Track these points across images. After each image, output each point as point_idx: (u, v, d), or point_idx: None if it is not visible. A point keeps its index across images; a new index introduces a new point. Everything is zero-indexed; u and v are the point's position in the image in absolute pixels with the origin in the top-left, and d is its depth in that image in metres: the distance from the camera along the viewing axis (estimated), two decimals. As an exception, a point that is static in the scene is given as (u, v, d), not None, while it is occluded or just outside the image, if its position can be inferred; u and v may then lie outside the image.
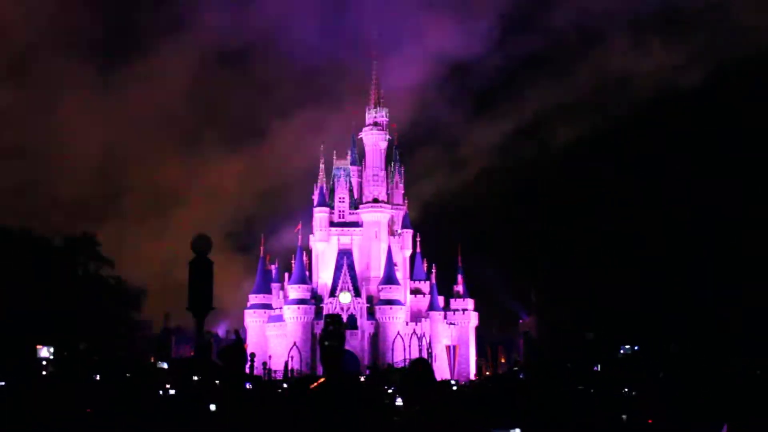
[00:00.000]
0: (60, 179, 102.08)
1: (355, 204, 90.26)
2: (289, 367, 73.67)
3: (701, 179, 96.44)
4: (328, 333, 5.16)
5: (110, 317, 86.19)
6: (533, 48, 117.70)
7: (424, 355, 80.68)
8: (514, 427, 4.24)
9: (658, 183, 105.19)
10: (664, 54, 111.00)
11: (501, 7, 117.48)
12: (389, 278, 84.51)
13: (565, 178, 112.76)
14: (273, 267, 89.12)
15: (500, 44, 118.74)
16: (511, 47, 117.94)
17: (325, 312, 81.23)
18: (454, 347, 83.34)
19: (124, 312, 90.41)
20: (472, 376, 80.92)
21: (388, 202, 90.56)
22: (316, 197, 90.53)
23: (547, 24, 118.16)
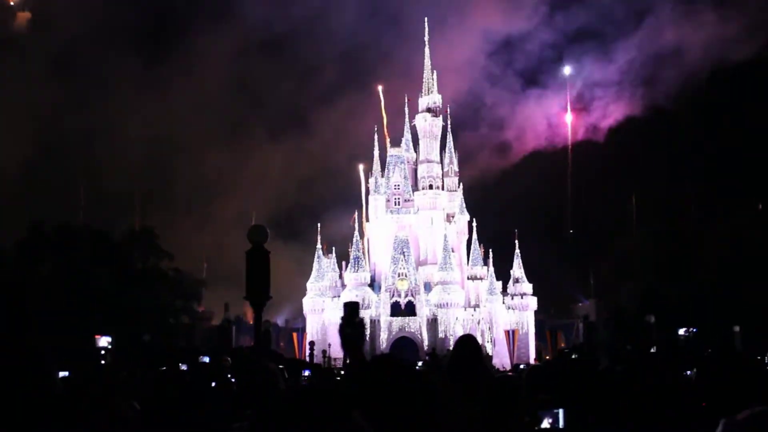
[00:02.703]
0: (106, 173, 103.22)
1: (410, 190, 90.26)
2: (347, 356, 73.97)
3: (757, 155, 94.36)
4: (347, 322, 5.02)
5: (171, 309, 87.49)
6: (581, 23, 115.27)
7: (484, 339, 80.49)
8: (557, 408, 4.17)
9: (712, 160, 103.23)
10: (717, 26, 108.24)
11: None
12: (446, 264, 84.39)
13: (616, 157, 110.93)
14: (329, 255, 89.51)
15: (548, 20, 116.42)
16: (558, 22, 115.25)
17: (381, 299, 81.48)
18: (513, 332, 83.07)
19: (185, 304, 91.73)
20: (531, 361, 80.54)
21: (443, 188, 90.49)
22: (371, 184, 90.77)
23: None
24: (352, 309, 4.87)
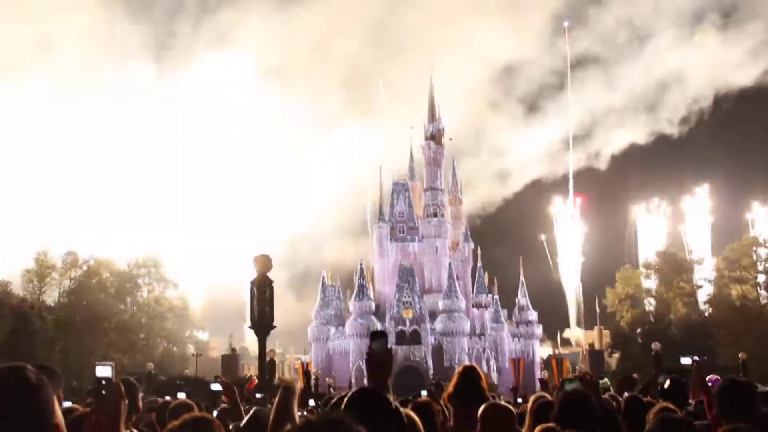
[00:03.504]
0: (110, 199, 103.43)
1: (414, 218, 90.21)
2: (353, 385, 73.73)
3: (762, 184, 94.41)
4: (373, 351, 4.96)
5: (177, 338, 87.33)
6: (584, 49, 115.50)
7: (490, 368, 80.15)
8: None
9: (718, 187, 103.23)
10: (720, 49, 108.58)
11: (552, 7, 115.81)
12: (451, 292, 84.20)
13: (617, 185, 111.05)
14: (334, 284, 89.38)
15: (551, 45, 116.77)
16: (561, 48, 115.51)
17: (386, 328, 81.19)
18: (519, 360, 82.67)
19: (190, 332, 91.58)
20: (537, 390, 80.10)
21: (447, 216, 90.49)
22: (376, 213, 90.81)
23: (598, 23, 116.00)
24: (378, 338, 4.84)
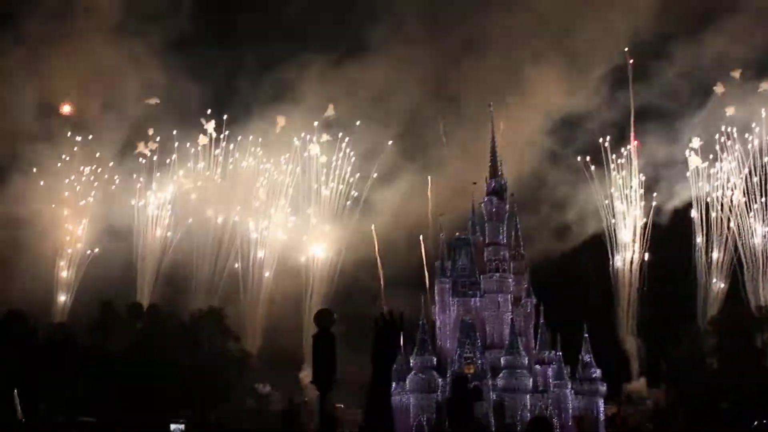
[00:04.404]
0: (172, 253, 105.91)
1: (476, 273, 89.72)
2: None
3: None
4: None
5: (239, 390, 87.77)
6: (645, 101, 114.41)
7: (552, 427, 78.97)
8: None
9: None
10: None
11: (612, 59, 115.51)
12: (513, 348, 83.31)
13: (679, 241, 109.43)
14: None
15: (611, 98, 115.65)
16: (622, 101, 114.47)
17: (447, 383, 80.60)
18: (582, 418, 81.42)
19: (251, 384, 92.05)
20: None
21: (509, 271, 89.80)
22: (438, 268, 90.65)
23: (660, 75, 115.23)
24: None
